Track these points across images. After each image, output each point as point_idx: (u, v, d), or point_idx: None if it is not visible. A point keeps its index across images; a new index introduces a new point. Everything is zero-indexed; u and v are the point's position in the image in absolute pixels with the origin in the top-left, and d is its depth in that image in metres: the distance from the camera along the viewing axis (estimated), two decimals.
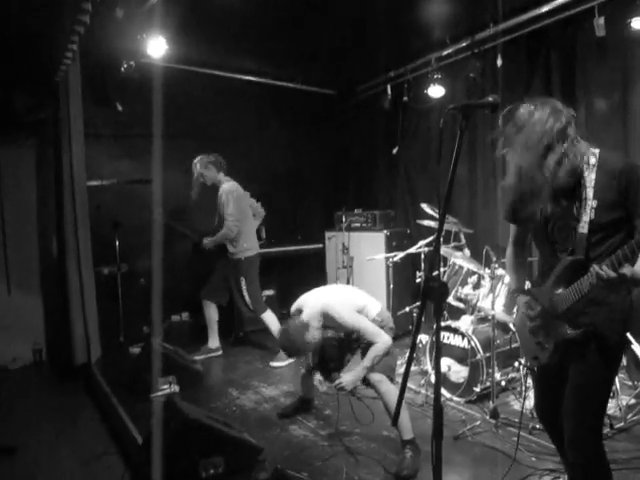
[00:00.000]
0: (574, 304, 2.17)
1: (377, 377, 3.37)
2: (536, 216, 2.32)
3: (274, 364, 5.31)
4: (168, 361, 4.53)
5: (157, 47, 4.86)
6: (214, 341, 5.62)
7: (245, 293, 5.35)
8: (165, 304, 5.04)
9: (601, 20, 4.22)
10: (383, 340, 3.39)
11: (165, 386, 4.34)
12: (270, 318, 5.40)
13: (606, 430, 3.47)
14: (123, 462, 3.46)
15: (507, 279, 4.19)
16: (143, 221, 5.80)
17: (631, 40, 4.14)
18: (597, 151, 2.17)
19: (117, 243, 5.76)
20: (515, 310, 2.49)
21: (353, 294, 3.77)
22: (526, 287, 2.61)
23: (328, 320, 3.51)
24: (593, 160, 2.14)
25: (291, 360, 5.27)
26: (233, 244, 5.33)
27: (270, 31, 5.36)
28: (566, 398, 2.27)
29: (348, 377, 3.39)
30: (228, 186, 5.34)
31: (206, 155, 5.39)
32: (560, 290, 2.23)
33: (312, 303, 3.58)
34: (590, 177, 2.13)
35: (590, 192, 2.12)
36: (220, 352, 5.65)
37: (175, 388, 4.39)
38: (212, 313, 5.55)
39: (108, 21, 4.46)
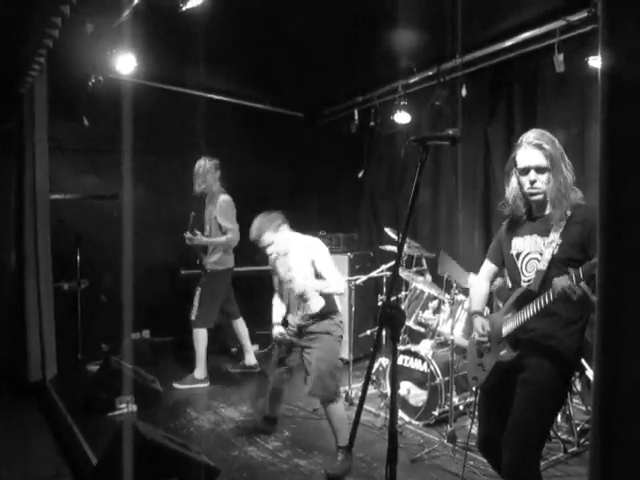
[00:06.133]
0: (515, 330, 2.39)
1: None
2: (510, 250, 2.57)
3: (177, 386, 5.14)
4: (126, 380, 4.47)
5: (126, 63, 4.86)
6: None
7: (196, 302, 5.23)
8: (125, 321, 5.01)
9: (561, 57, 4.40)
10: (336, 286, 3.60)
11: (123, 405, 4.29)
12: (201, 338, 5.22)
13: (560, 454, 3.56)
14: None
15: (466, 304, 4.27)
16: (106, 237, 5.75)
17: (588, 77, 4.32)
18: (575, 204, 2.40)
19: (78, 258, 5.66)
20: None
21: None
22: (485, 313, 2.75)
23: (310, 249, 3.66)
24: (569, 212, 2.37)
25: (194, 385, 5.16)
26: (207, 254, 5.29)
27: (240, 52, 5.42)
28: (509, 422, 2.37)
29: (301, 280, 3.59)
30: (228, 197, 5.33)
31: (211, 159, 5.34)
32: (508, 316, 2.44)
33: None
34: (561, 224, 2.36)
35: (557, 235, 2.35)
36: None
37: (133, 407, 4.34)
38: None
39: (77, 36, 4.45)
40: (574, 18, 4.29)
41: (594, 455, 1.15)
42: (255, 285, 6.40)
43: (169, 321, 6.42)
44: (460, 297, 4.30)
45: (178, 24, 4.48)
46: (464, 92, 5.25)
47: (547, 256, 2.36)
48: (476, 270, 5.17)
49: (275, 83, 6.54)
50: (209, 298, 5.29)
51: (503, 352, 2.42)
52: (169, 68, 5.91)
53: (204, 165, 5.30)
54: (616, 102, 1.14)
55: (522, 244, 2.52)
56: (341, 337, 3.72)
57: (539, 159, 2.37)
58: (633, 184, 1.11)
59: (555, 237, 2.35)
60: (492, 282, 2.87)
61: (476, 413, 3.82)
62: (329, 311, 3.67)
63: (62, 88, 5.53)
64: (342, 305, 5.76)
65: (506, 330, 2.43)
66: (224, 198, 5.31)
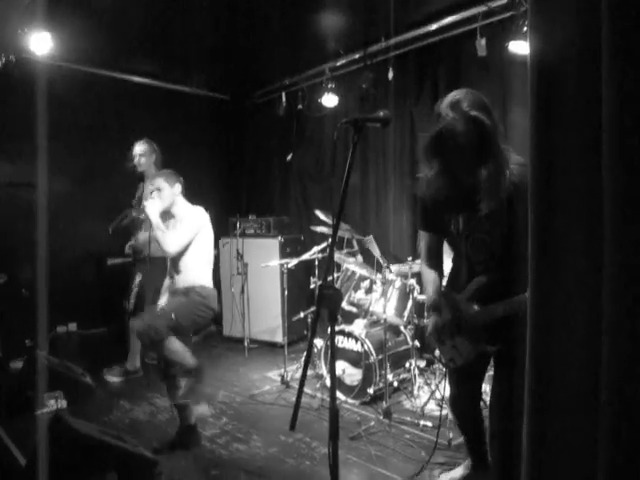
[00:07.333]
0: (490, 322, 2.28)
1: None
2: (450, 227, 2.40)
3: (109, 378, 5.02)
4: (54, 375, 4.29)
5: (41, 43, 4.60)
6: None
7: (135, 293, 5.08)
8: (50, 315, 4.80)
9: (483, 41, 4.53)
10: (169, 241, 3.72)
11: (51, 402, 4.11)
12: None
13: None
14: None
15: (398, 283, 4.37)
16: (24, 228, 5.47)
17: (509, 61, 4.47)
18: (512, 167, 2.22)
19: None
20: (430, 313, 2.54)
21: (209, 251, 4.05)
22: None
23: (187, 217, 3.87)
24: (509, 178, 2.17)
25: (127, 377, 5.05)
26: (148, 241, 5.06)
27: (164, 33, 5.26)
28: (493, 397, 2.45)
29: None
30: None
31: (149, 141, 5.16)
32: (476, 306, 2.32)
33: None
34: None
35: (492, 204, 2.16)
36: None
37: (62, 403, 4.17)
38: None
39: None
40: (495, 4, 4.42)
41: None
42: None
43: (97, 313, 6.22)
44: (391, 277, 4.39)
45: (98, 2, 4.29)
46: (391, 75, 5.33)
47: (497, 235, 2.24)
48: (406, 250, 5.28)
49: (200, 65, 6.40)
50: (150, 287, 5.05)
51: (483, 345, 2.35)
52: (89, 49, 5.61)
53: (140, 147, 5.13)
54: (544, 87, 1.18)
55: (460, 220, 2.36)
56: (206, 306, 3.83)
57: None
58: (562, 170, 1.15)
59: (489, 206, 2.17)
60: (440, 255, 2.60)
61: (419, 385, 3.95)
62: (195, 285, 3.80)
63: None
64: (274, 289, 5.85)
65: (479, 322, 2.30)
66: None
